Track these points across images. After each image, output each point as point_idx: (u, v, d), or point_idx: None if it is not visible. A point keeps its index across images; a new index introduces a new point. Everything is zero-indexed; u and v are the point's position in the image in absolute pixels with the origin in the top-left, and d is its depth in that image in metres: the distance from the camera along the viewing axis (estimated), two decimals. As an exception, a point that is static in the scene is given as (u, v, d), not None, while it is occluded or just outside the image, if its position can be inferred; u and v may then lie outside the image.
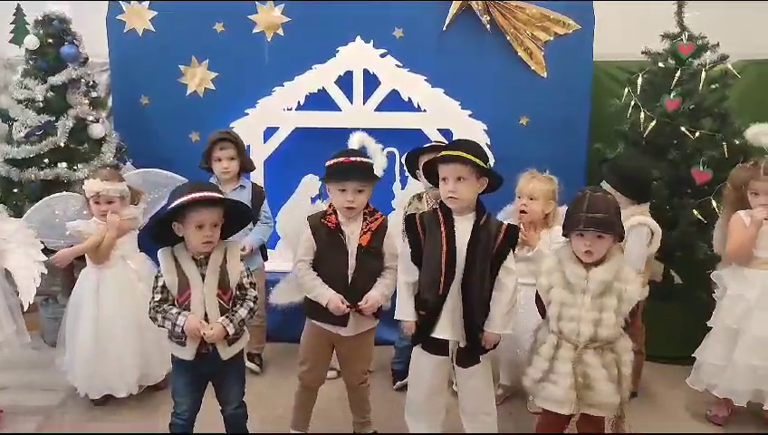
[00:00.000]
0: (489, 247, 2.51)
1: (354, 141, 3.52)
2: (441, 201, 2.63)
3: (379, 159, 3.40)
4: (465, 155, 2.47)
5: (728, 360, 2.98)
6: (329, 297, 2.57)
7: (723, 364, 3.00)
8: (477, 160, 2.47)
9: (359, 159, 2.65)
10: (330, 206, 2.68)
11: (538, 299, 2.57)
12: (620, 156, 3.69)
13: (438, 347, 2.60)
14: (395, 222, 2.88)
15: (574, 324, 2.41)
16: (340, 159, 2.63)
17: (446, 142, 3.67)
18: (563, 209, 2.99)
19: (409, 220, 2.64)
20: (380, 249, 2.67)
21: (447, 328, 2.56)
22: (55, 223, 3.29)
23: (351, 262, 2.62)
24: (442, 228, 2.52)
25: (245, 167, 3.58)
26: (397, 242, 2.76)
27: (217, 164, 3.45)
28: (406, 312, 2.61)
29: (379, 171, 3.31)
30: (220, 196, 2.44)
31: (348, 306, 2.58)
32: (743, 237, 2.97)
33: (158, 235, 2.46)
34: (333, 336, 2.72)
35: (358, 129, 3.68)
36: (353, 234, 2.63)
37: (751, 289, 2.96)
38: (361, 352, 2.81)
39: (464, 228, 2.52)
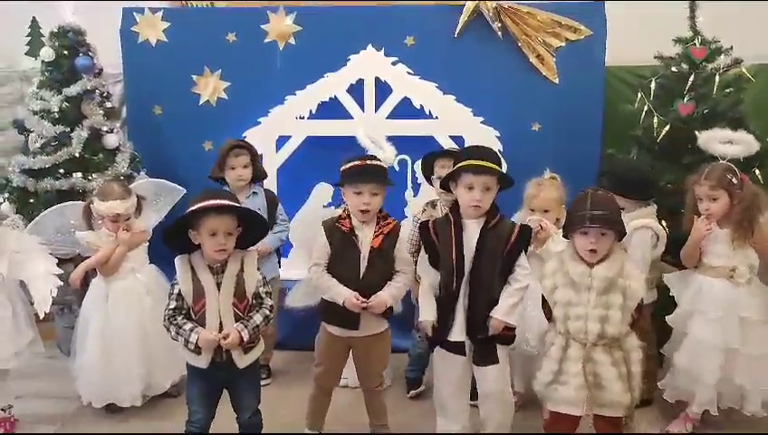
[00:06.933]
0: (498, 249, 2.57)
1: (361, 137, 3.49)
2: (452, 206, 2.69)
3: (387, 149, 3.40)
4: (497, 168, 2.57)
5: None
6: (345, 296, 2.62)
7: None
8: (504, 173, 2.61)
9: (373, 162, 2.72)
10: (344, 210, 2.75)
11: (544, 304, 2.56)
12: (615, 162, 3.69)
13: (455, 347, 2.63)
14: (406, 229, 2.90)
15: (581, 323, 2.42)
16: (356, 163, 2.69)
17: (459, 149, 3.68)
18: None
19: (423, 227, 2.72)
20: (392, 253, 2.71)
21: (462, 331, 2.61)
22: (69, 231, 3.31)
23: (363, 264, 2.67)
24: (452, 232, 2.59)
25: (258, 174, 3.60)
26: (404, 247, 2.81)
27: (232, 172, 3.46)
28: (426, 312, 2.65)
29: (391, 160, 3.34)
30: (231, 204, 2.44)
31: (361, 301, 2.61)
32: (688, 243, 3.03)
33: (178, 242, 2.46)
34: (348, 339, 2.75)
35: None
36: (366, 237, 2.68)
37: (690, 294, 3.02)
38: (376, 353, 2.83)
39: (473, 231, 2.59)
